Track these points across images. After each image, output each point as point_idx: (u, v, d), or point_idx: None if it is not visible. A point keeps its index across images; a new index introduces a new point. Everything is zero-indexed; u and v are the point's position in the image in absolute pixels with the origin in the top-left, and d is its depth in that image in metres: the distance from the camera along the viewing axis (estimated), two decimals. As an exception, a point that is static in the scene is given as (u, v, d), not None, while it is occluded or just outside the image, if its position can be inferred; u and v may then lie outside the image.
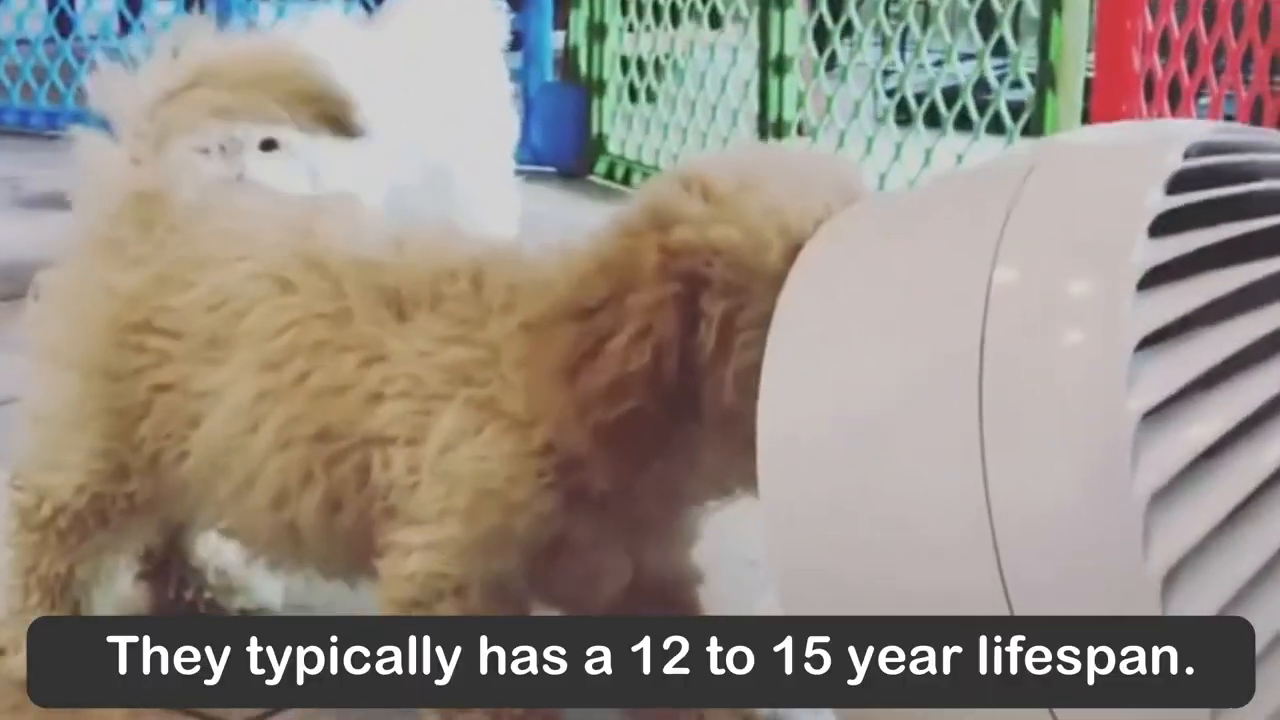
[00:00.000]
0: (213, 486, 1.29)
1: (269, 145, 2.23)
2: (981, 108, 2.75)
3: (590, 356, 1.13)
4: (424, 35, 2.56)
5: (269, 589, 1.55)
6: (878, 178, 2.82)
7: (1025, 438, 0.95)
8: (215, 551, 1.52)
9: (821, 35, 3.10)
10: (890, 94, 2.94)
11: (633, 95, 3.58)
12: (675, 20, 3.42)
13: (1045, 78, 2.56)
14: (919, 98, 2.84)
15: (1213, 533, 0.93)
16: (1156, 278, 0.96)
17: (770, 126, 3.10)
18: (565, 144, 3.67)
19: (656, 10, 3.47)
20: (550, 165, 3.64)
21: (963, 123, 2.78)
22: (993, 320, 0.98)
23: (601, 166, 3.63)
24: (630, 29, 3.56)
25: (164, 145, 1.36)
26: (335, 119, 1.40)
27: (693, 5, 3.40)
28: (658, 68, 3.50)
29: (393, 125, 1.91)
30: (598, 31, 3.62)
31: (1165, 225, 0.98)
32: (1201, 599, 0.93)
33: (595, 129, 3.66)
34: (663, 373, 1.11)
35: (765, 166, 1.17)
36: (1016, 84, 2.73)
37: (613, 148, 3.63)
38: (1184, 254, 0.96)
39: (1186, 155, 1.01)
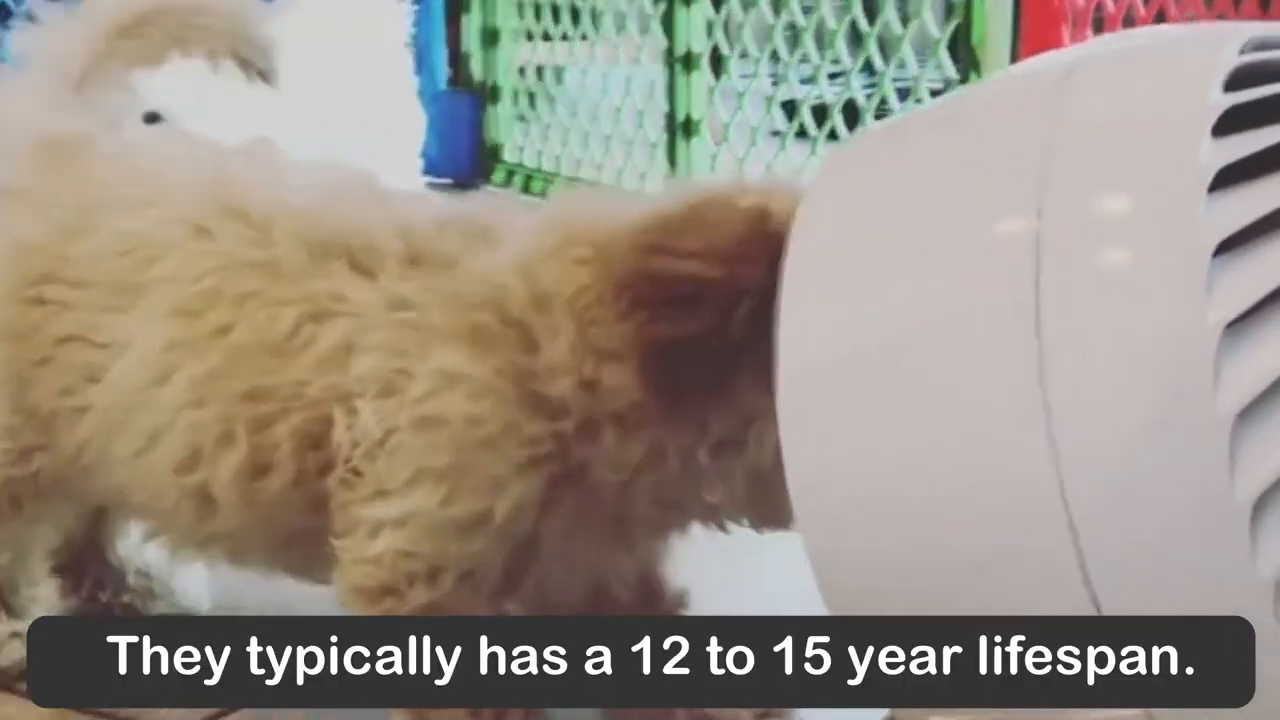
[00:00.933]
0: (111, 445, 1.17)
1: (153, 118, 2.11)
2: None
3: (663, 250, 1.03)
4: (325, 26, 2.45)
5: (194, 592, 1.42)
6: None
7: (1092, 357, 0.85)
8: (136, 549, 1.39)
9: (730, 30, 3.01)
10: (788, 106, 2.86)
11: (530, 101, 3.47)
12: (575, 21, 3.32)
13: (969, 62, 2.48)
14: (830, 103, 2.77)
15: (1305, 455, 0.84)
16: (1223, 180, 0.87)
17: (679, 126, 3.01)
18: (460, 153, 3.55)
19: (555, 12, 3.37)
20: (445, 176, 3.51)
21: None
22: (1048, 230, 0.88)
23: (499, 175, 3.52)
24: (527, 33, 3.45)
25: (87, 89, 1.24)
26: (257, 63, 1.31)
27: (593, 6, 3.29)
28: (557, 72, 3.40)
29: (292, 115, 1.82)
30: (491, 37, 3.51)
31: (1223, 125, 0.89)
32: (1295, 528, 0.84)
33: (490, 137, 3.54)
34: (737, 311, 1.00)
35: None
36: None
37: (509, 156, 3.51)
38: (1253, 153, 0.88)
39: (1241, 51, 0.92)
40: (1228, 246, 0.85)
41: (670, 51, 3.02)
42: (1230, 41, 0.93)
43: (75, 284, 1.18)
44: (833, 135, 2.72)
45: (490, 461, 1.06)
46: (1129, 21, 2.20)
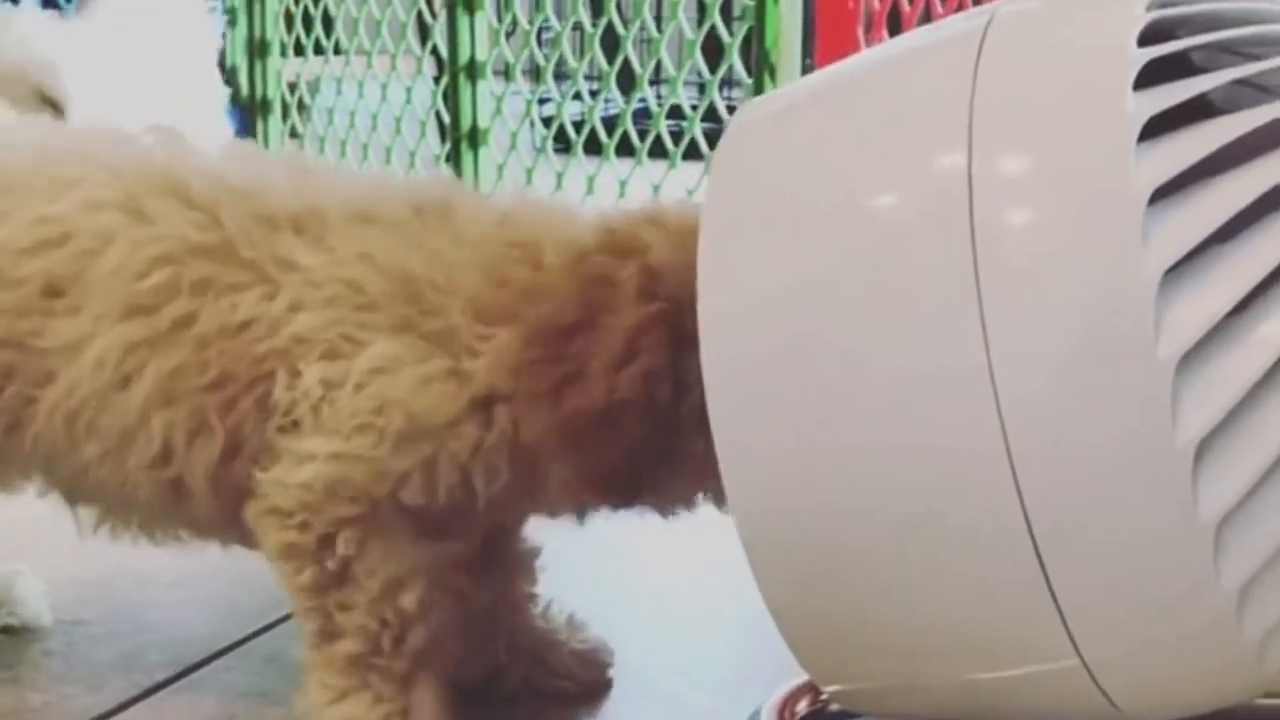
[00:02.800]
0: (76, 449, 1.11)
1: None
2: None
3: (572, 380, 1.02)
4: (131, 32, 2.36)
5: (34, 604, 1.35)
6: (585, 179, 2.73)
7: (1031, 311, 0.85)
8: (-32, 562, 1.32)
9: (515, 39, 2.99)
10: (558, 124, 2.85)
11: (303, 114, 3.40)
12: (353, 31, 3.25)
13: (762, 65, 2.50)
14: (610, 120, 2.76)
15: (1245, 398, 0.85)
16: (1147, 131, 0.88)
17: (464, 136, 2.97)
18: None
19: (327, 22, 3.30)
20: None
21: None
22: (980, 186, 0.88)
23: (271, 191, 3.42)
24: (297, 44, 3.37)
25: None
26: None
27: (368, 13, 3.23)
28: (332, 84, 3.32)
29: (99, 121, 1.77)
30: (259, 49, 3.42)
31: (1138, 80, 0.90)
32: (1238, 471, 0.85)
33: (261, 153, 3.45)
34: (657, 403, 1.01)
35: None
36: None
37: (283, 171, 3.43)
38: (1174, 105, 0.89)
39: (1148, 9, 0.94)
40: (1156, 197, 0.87)
41: (453, 61, 2.98)
42: (1134, 1, 0.94)
43: None
44: (624, 145, 2.72)
45: (432, 442, 1.06)
46: (927, 19, 2.24)
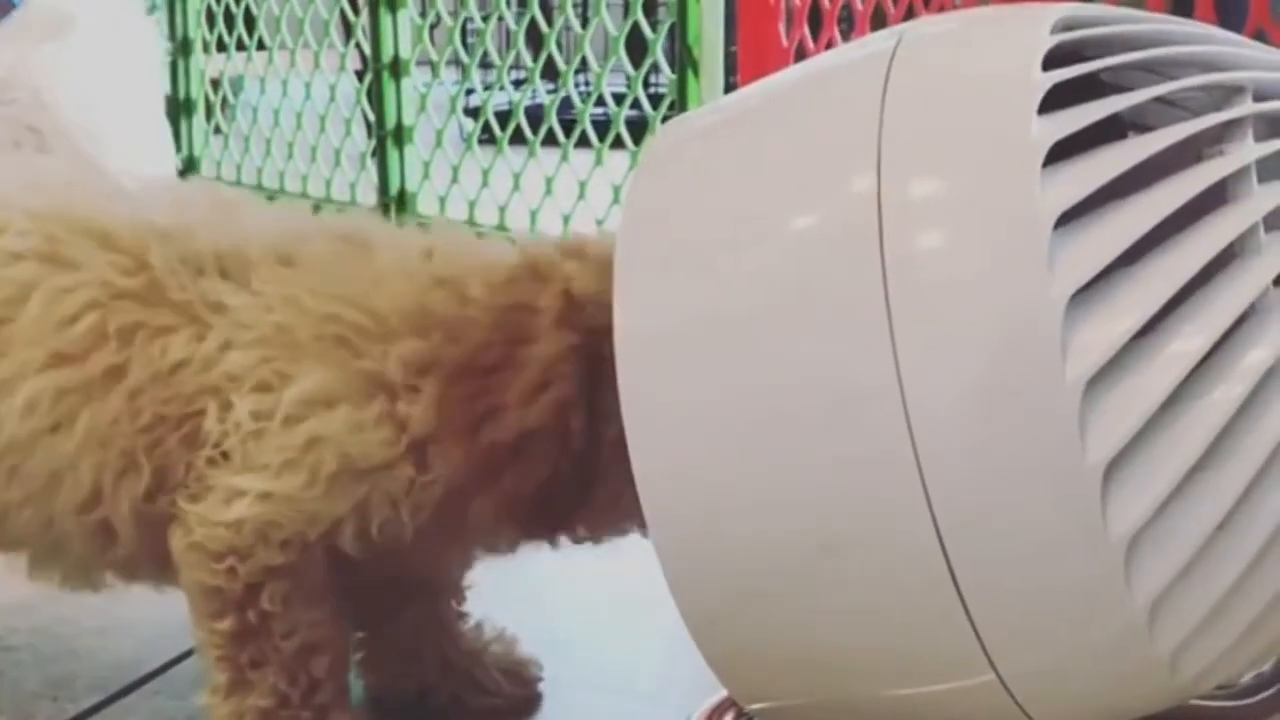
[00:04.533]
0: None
1: None
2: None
3: (491, 413, 1.03)
4: (68, 30, 2.34)
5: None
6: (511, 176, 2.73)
7: (941, 335, 0.86)
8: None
9: (437, 36, 2.98)
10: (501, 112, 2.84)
11: (226, 112, 3.37)
12: (275, 28, 3.24)
13: (684, 60, 2.51)
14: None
15: (1153, 418, 0.86)
16: (1059, 152, 0.89)
17: (389, 133, 2.96)
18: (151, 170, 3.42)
19: (249, 20, 3.28)
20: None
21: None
22: (889, 209, 0.89)
23: (197, 190, 3.40)
24: (219, 42, 3.35)
25: None
26: None
27: (290, 10, 3.22)
28: (255, 82, 3.30)
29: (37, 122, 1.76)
30: (181, 48, 3.40)
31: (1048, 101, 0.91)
32: (1147, 489, 0.86)
33: (185, 151, 3.43)
34: (572, 433, 1.02)
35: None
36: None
37: (207, 170, 3.41)
38: (1079, 129, 0.90)
39: (1052, 32, 0.95)
40: (1063, 220, 0.88)
41: (377, 57, 2.96)
42: (1040, 24, 0.95)
43: None
44: (550, 138, 2.72)
45: (362, 484, 1.06)
46: (846, 17, 2.25)
